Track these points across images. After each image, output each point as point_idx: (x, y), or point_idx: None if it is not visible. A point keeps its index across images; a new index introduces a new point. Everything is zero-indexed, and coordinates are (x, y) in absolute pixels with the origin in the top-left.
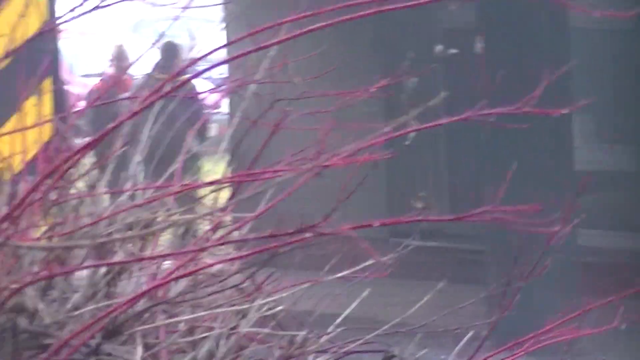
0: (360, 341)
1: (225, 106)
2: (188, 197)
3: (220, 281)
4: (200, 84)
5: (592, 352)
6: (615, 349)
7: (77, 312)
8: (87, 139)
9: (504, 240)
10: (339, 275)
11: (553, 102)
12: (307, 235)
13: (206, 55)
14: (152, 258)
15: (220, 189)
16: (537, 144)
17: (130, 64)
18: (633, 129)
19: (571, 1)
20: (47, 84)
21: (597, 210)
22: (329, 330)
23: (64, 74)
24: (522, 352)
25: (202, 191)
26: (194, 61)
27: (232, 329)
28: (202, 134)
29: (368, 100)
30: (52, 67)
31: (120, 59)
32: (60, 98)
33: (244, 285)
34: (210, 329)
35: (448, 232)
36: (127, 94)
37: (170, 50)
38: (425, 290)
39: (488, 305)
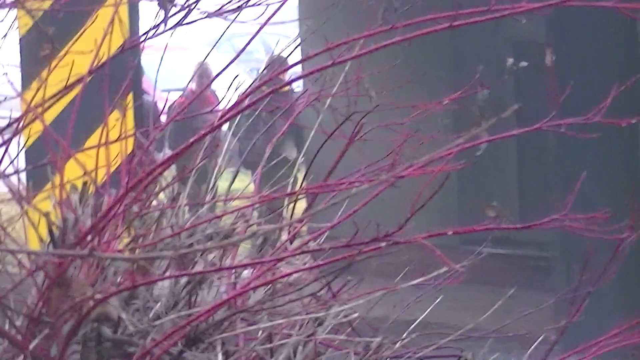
0: (434, 346)
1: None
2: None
3: (297, 289)
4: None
5: None
6: None
7: (159, 321)
8: (169, 153)
9: (573, 247)
10: (413, 282)
11: (622, 112)
12: (382, 244)
13: (284, 69)
14: (231, 268)
15: (297, 200)
16: (606, 153)
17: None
18: None
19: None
20: (130, 99)
21: None
22: (403, 336)
23: (146, 89)
24: (591, 356)
25: (280, 202)
26: (274, 75)
27: (309, 335)
28: (298, 143)
29: (441, 112)
30: (135, 82)
31: (203, 75)
32: (142, 113)
33: (321, 293)
34: (288, 336)
35: (518, 239)
36: (209, 109)
37: (276, 64)
38: (496, 296)
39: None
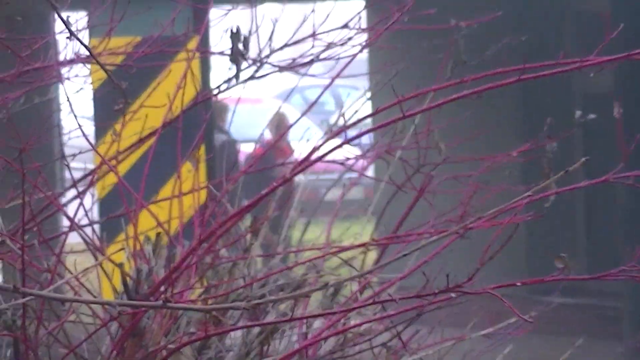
0: None
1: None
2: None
3: (368, 339)
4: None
5: None
6: None
7: None
8: (242, 204)
9: None
10: (483, 332)
11: None
12: (452, 294)
13: (354, 123)
14: (302, 318)
15: (367, 251)
16: None
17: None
18: None
19: None
20: (202, 151)
21: None
22: None
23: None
24: None
25: (351, 253)
26: (344, 128)
27: None
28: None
29: (510, 164)
30: (207, 134)
31: (280, 126)
32: (214, 164)
33: (391, 343)
34: None
35: (587, 289)
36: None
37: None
38: (565, 346)
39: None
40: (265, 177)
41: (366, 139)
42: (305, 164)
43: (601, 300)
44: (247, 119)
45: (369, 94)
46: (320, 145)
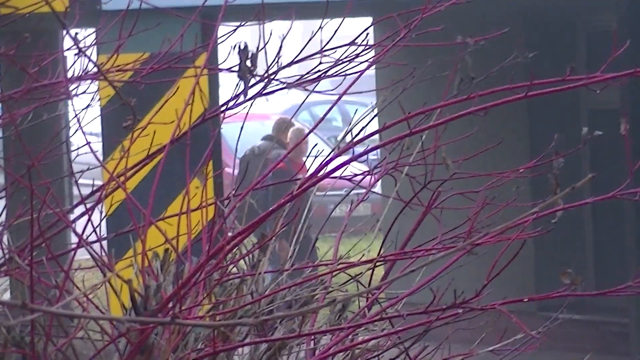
0: None
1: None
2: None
3: (376, 355)
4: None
5: None
6: None
7: None
8: (250, 222)
9: None
10: (490, 348)
11: None
12: (460, 310)
13: (362, 139)
14: (310, 334)
15: (375, 268)
16: None
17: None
18: None
19: None
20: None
21: None
22: None
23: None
24: None
25: (358, 269)
26: (352, 145)
27: None
28: None
29: (517, 180)
30: (215, 151)
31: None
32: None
33: (399, 359)
34: None
35: (595, 305)
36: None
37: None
38: None
39: None
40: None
41: (374, 155)
42: (314, 180)
43: (609, 317)
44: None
45: (376, 111)
46: (329, 162)
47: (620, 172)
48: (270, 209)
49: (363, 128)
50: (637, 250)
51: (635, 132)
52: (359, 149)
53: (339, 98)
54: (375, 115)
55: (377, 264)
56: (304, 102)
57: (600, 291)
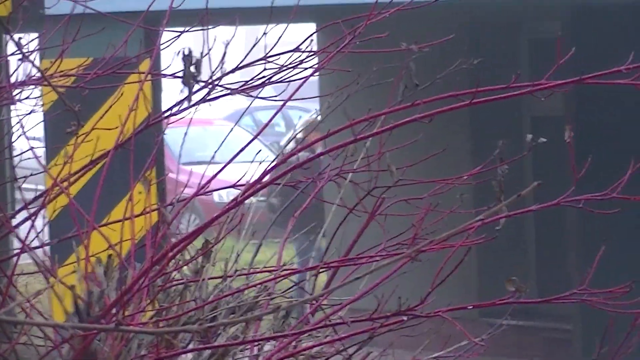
0: None
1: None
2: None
3: None
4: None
5: None
6: None
7: None
8: (193, 227)
9: (593, 319)
10: (434, 355)
11: None
12: (404, 317)
13: (306, 146)
14: (254, 341)
15: (318, 274)
16: (626, 227)
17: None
18: None
19: None
20: (153, 173)
21: None
22: None
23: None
24: None
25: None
26: (295, 152)
27: None
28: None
29: (461, 187)
30: (158, 156)
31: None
32: (165, 187)
33: None
34: None
35: (538, 312)
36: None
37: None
38: None
39: None
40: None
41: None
42: (258, 186)
43: (551, 323)
44: (197, 141)
45: (320, 118)
46: (273, 168)
47: (563, 180)
48: (215, 215)
49: (306, 135)
50: (580, 258)
51: (578, 139)
52: (304, 155)
53: (283, 105)
54: (319, 123)
55: (321, 270)
56: (248, 108)
57: (544, 299)
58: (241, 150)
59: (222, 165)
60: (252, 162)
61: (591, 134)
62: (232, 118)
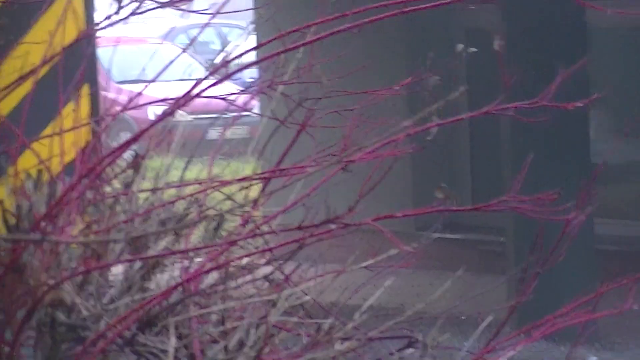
0: (384, 327)
1: (256, 108)
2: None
3: (250, 273)
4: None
5: (610, 335)
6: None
7: (112, 306)
8: (123, 140)
9: (525, 230)
10: (364, 264)
11: (571, 98)
12: (333, 227)
13: (236, 58)
14: (184, 252)
15: (250, 186)
16: (557, 135)
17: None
18: None
19: (588, 0)
20: (85, 90)
21: (614, 201)
22: (354, 317)
23: (101, 80)
24: (539, 335)
25: (233, 188)
26: (225, 64)
27: (261, 318)
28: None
29: (393, 99)
30: (90, 73)
31: None
32: (97, 103)
33: (273, 276)
34: (241, 318)
35: (473, 225)
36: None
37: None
38: (451, 281)
39: (509, 294)
40: None
41: (251, 77)
42: (186, 99)
43: (486, 235)
44: (130, 59)
45: (252, 29)
46: (201, 81)
47: (496, 90)
48: (144, 128)
49: (236, 47)
50: (513, 168)
51: (510, 49)
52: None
53: (212, 16)
54: (251, 34)
55: (252, 182)
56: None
57: (474, 206)
58: (170, 64)
59: (156, 82)
60: (187, 80)
61: (521, 46)
62: (167, 37)
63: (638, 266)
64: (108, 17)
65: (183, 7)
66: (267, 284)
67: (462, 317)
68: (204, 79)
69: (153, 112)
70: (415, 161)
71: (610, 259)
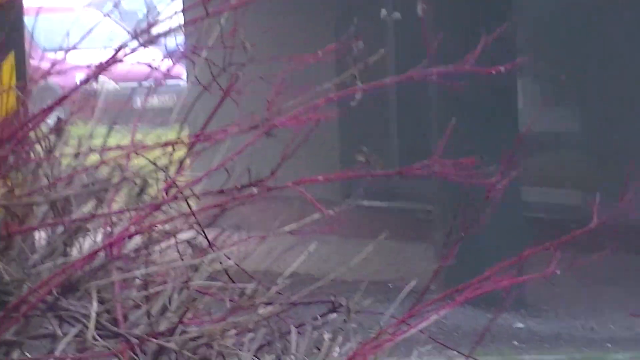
0: (308, 292)
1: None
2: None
3: (173, 237)
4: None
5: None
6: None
7: (35, 270)
8: (45, 106)
9: (451, 197)
10: (287, 229)
11: (498, 63)
12: (255, 190)
13: (161, 22)
14: (107, 215)
15: (173, 151)
16: (486, 105)
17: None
18: (575, 91)
19: None
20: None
21: (543, 169)
22: (278, 282)
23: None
24: (462, 299)
25: (156, 153)
26: (149, 28)
27: (184, 283)
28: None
29: (323, 67)
30: (16, 39)
31: None
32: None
33: (196, 241)
34: (164, 283)
35: (400, 193)
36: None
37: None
38: (377, 249)
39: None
40: None
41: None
42: (108, 64)
43: (414, 204)
44: (58, 28)
45: None
46: (124, 46)
47: (421, 54)
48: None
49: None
50: (439, 134)
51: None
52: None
53: None
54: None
55: (175, 147)
56: None
57: (397, 170)
58: (91, 30)
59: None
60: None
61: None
62: (95, 5)
63: (566, 233)
64: None
65: None
66: (190, 248)
67: (389, 285)
68: (126, 44)
69: (80, 80)
70: (343, 129)
71: (540, 226)
